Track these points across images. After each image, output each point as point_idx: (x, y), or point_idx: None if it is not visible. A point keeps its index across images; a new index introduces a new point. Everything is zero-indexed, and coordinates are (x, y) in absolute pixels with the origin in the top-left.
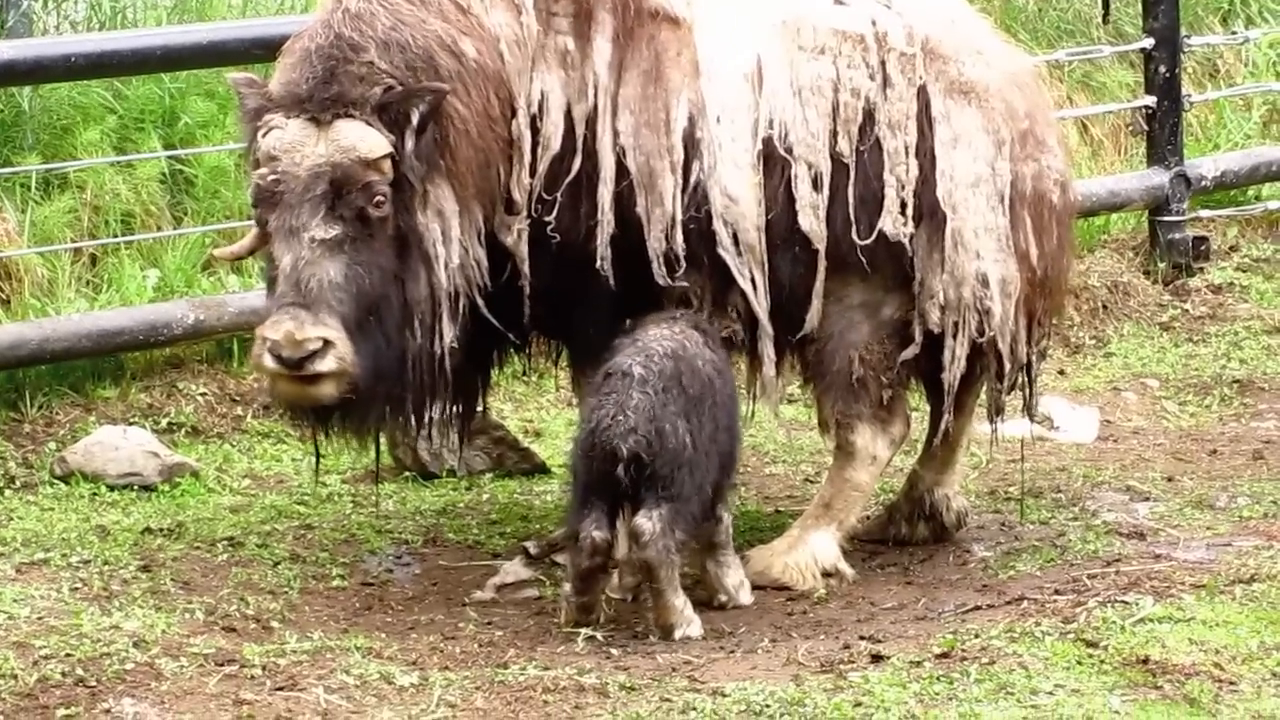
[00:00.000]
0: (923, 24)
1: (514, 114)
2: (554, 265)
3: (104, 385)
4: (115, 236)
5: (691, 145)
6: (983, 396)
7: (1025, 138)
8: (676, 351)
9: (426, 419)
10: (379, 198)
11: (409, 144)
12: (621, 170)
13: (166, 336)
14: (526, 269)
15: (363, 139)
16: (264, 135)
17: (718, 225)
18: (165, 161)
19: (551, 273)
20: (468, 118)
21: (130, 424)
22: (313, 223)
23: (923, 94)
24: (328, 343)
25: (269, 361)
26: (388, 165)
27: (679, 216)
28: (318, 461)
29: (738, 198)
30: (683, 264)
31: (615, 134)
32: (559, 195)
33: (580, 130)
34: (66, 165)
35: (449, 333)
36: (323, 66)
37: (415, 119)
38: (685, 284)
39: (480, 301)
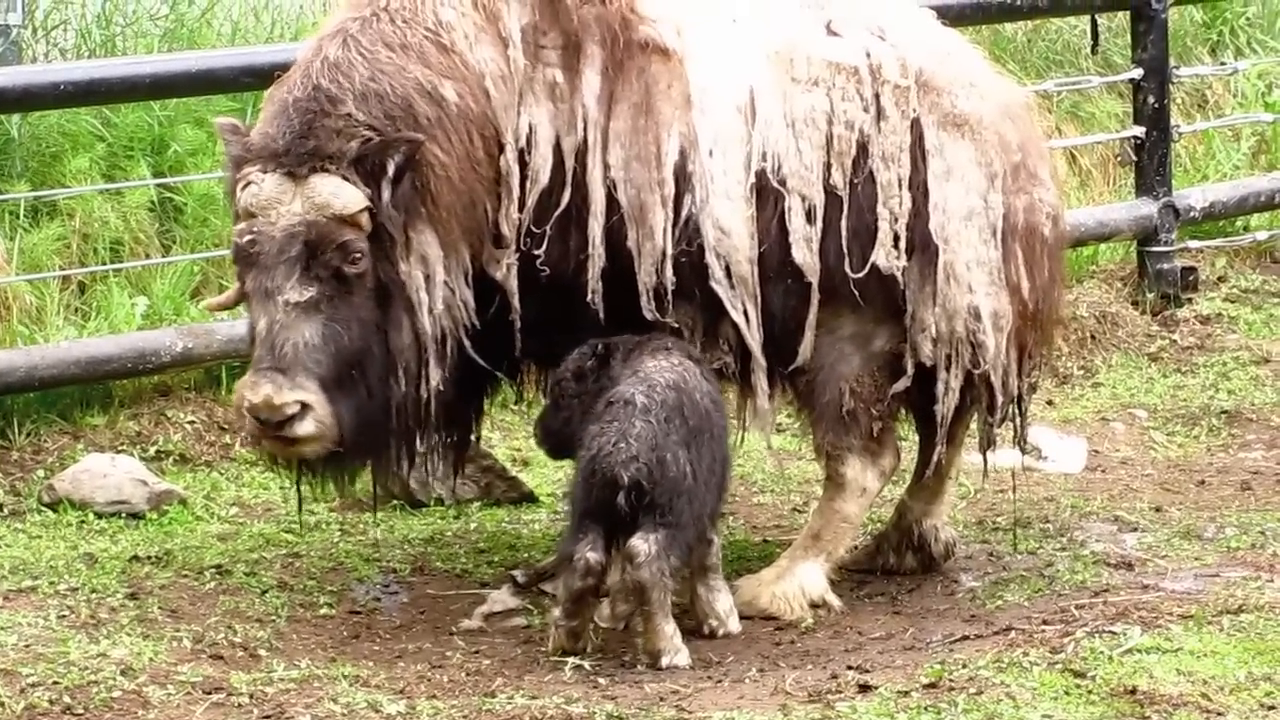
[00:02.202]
0: (917, 56)
1: (501, 149)
2: (544, 298)
3: (92, 413)
4: (104, 264)
5: (683, 178)
6: (973, 427)
7: (1018, 171)
8: (678, 383)
9: (412, 459)
10: (355, 254)
11: (386, 195)
12: (612, 204)
13: (155, 364)
14: (516, 302)
15: (336, 194)
16: (243, 189)
17: (710, 258)
18: (154, 189)
19: (541, 305)
20: (448, 164)
21: (118, 452)
22: (287, 285)
23: (916, 126)
24: (305, 406)
25: (250, 423)
26: (365, 219)
27: (670, 250)
28: (300, 505)
29: (730, 230)
30: (673, 297)
31: (605, 167)
32: (548, 228)
33: (570, 163)
34: (55, 193)
35: (435, 376)
36: (300, 120)
37: (391, 170)
38: (676, 317)
39: (467, 342)
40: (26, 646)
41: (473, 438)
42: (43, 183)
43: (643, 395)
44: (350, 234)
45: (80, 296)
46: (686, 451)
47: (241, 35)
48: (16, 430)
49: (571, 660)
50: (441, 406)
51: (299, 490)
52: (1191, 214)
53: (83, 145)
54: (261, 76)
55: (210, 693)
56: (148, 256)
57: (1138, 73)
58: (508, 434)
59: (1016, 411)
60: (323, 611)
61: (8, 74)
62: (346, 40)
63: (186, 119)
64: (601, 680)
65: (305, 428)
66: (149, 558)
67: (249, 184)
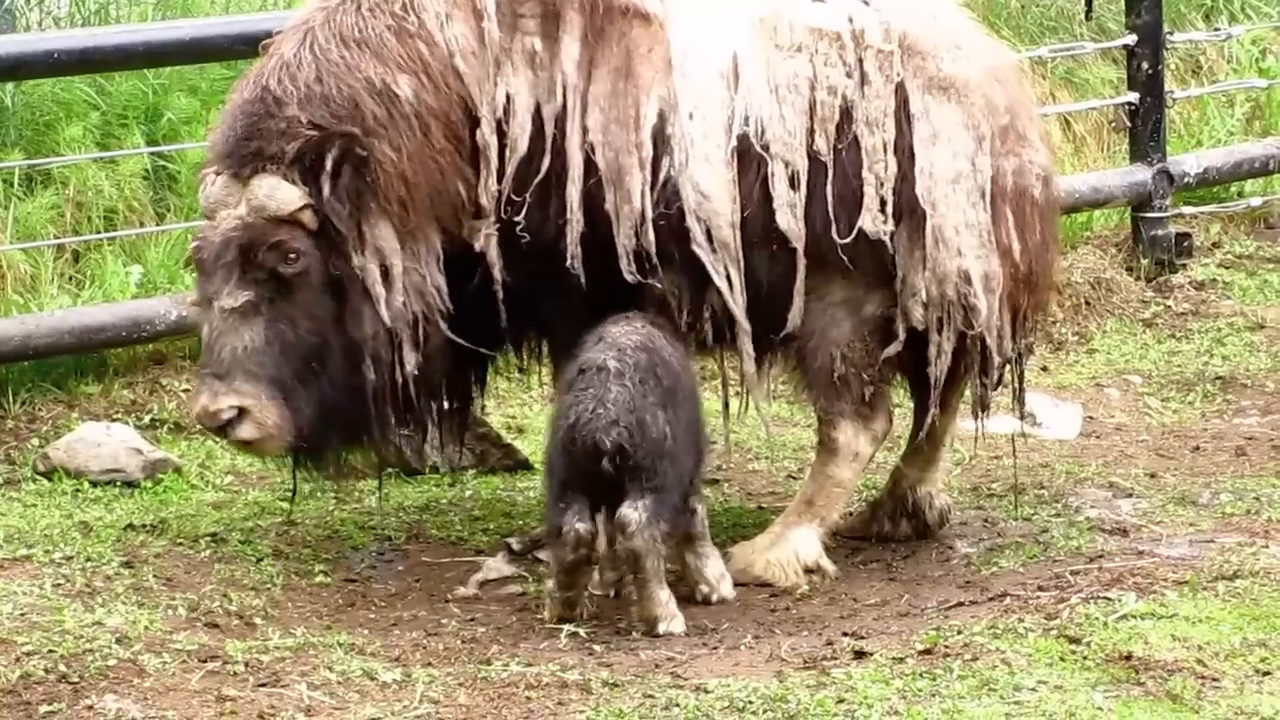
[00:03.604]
0: (901, 20)
1: (476, 124)
2: (526, 265)
3: (87, 382)
4: (98, 233)
5: (661, 141)
6: (968, 395)
7: (1006, 133)
8: (646, 344)
9: (400, 440)
10: (291, 254)
11: (326, 189)
12: (590, 167)
13: (149, 333)
14: (498, 272)
15: (272, 195)
16: (200, 190)
17: (691, 222)
18: (148, 158)
19: (524, 273)
20: (399, 160)
21: (113, 420)
22: (223, 291)
23: (901, 91)
24: (243, 410)
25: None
26: (307, 216)
27: (648, 213)
28: (294, 496)
29: (710, 194)
30: (654, 261)
31: (584, 131)
32: (528, 195)
33: (549, 130)
34: (50, 161)
35: (411, 361)
36: (244, 123)
37: (329, 164)
38: (657, 281)
39: (443, 324)
40: (21, 615)
41: (474, 407)
42: (37, 151)
43: (614, 360)
44: (285, 234)
45: (75, 265)
46: (664, 412)
47: (235, 4)
48: (11, 399)
49: (567, 627)
50: (442, 377)
51: (294, 477)
52: (1186, 180)
53: (77, 114)
54: (254, 45)
55: (206, 661)
56: (142, 225)
57: (1132, 39)
58: (502, 402)
59: (1014, 376)
60: (318, 580)
61: (1, 42)
62: (305, 36)
63: (180, 87)
64: (597, 647)
65: (245, 431)
66: (144, 526)
67: (203, 185)
